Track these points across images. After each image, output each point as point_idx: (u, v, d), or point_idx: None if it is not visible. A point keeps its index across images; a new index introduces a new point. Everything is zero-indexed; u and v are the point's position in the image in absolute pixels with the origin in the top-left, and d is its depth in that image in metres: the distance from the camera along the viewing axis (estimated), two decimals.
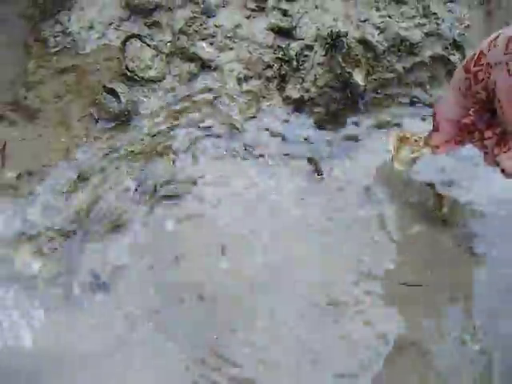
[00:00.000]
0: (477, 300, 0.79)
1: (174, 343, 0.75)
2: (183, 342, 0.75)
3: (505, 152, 0.64)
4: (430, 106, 0.95)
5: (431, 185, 0.87)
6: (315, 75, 0.92)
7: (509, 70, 0.57)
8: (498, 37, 0.59)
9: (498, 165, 0.64)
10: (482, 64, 0.61)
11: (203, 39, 0.92)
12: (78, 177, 0.85)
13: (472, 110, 0.70)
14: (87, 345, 0.75)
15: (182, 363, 0.74)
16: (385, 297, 0.79)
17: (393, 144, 0.85)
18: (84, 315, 0.77)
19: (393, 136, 0.86)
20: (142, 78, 0.90)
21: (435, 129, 0.75)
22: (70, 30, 0.92)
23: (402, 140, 0.85)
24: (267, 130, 0.91)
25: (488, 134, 0.68)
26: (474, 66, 0.63)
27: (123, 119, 0.88)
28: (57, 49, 0.92)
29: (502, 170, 0.64)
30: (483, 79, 0.62)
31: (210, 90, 0.92)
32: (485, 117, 0.69)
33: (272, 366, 0.74)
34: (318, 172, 0.87)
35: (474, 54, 0.62)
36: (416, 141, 0.84)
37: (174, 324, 0.77)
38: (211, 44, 0.92)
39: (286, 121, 0.92)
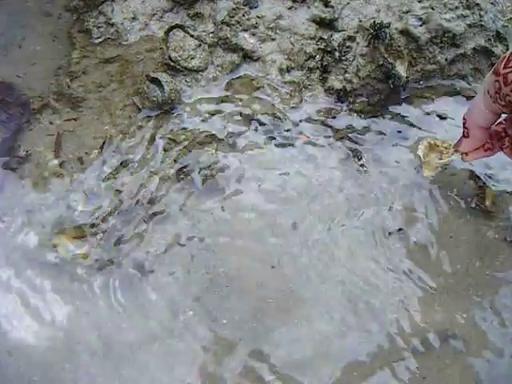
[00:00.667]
0: None
1: (216, 331, 0.74)
2: (225, 330, 0.74)
3: None
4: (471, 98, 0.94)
5: (474, 177, 0.86)
6: (357, 66, 0.91)
7: None
8: None
9: None
10: None
11: (245, 30, 0.92)
12: (121, 164, 0.85)
13: (503, 116, 0.69)
14: (129, 333, 0.75)
15: (225, 351, 0.73)
16: (427, 288, 0.78)
17: (422, 151, 0.86)
18: (126, 303, 0.77)
19: (422, 143, 0.87)
20: (185, 67, 0.90)
21: (465, 135, 0.73)
22: (113, 20, 0.93)
23: (432, 147, 0.86)
24: (309, 120, 0.90)
25: None
26: (504, 68, 0.61)
27: (166, 108, 0.89)
28: (100, 39, 0.93)
29: None
30: None
31: (252, 80, 0.92)
32: None
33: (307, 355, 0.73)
34: (361, 164, 0.87)
35: (504, 57, 0.61)
36: (446, 148, 0.85)
37: (216, 312, 0.76)
38: (253, 35, 0.92)
39: (328, 111, 0.91)
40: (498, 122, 0.71)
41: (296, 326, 0.75)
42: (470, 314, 0.76)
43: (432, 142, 0.87)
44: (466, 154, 0.76)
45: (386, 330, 0.75)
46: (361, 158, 0.87)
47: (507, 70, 0.61)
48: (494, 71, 0.64)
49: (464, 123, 0.73)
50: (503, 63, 0.62)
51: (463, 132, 0.74)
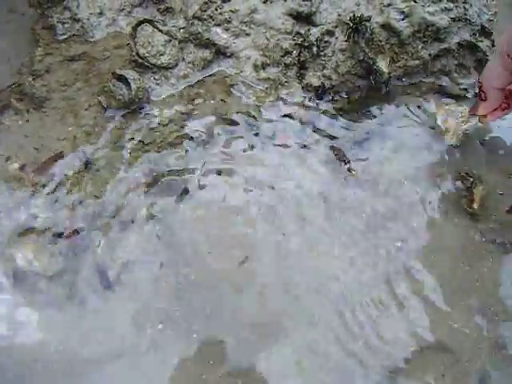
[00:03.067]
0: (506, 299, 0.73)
1: (185, 346, 0.69)
2: (195, 344, 0.69)
3: None
4: (457, 96, 0.90)
5: (462, 178, 0.82)
6: (336, 62, 0.87)
7: None
8: None
9: None
10: None
11: (218, 25, 0.88)
12: (86, 168, 0.80)
13: None
14: (91, 347, 0.69)
15: (195, 367, 0.68)
16: (413, 294, 0.74)
17: (440, 117, 0.84)
18: (89, 315, 0.71)
19: (439, 111, 0.85)
20: (154, 64, 0.86)
21: (483, 98, 0.76)
22: (78, 16, 0.88)
23: (448, 113, 0.85)
24: (286, 118, 0.86)
25: None
26: None
27: (134, 107, 0.84)
28: (65, 36, 0.88)
29: None
30: None
31: (225, 77, 0.87)
32: None
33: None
34: (344, 161, 0.82)
35: None
36: (461, 112, 0.84)
37: (185, 325, 0.71)
38: (226, 30, 0.88)
39: (306, 109, 0.87)
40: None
41: (274, 337, 0.70)
42: (458, 320, 0.72)
43: (447, 107, 0.85)
44: (485, 116, 0.78)
45: (369, 340, 0.70)
46: (343, 157, 0.82)
47: None
48: None
49: (480, 86, 0.74)
50: None
51: (480, 95, 0.76)
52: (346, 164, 0.82)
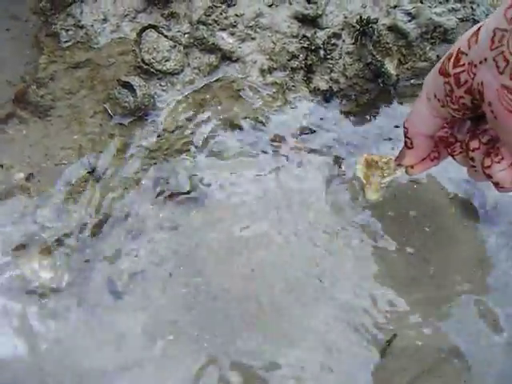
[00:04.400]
0: None
1: (196, 356, 0.68)
2: (207, 355, 0.68)
3: (497, 162, 0.52)
4: None
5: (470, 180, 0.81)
6: (344, 65, 0.86)
7: (498, 67, 0.46)
8: (477, 31, 0.48)
9: (490, 178, 0.54)
10: (463, 64, 0.50)
11: (223, 29, 0.87)
12: (92, 176, 0.79)
13: (448, 120, 0.58)
14: (101, 359, 0.68)
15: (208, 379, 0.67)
16: (425, 299, 0.73)
17: (360, 170, 0.78)
18: (98, 326, 0.70)
19: (359, 162, 0.79)
20: (159, 70, 0.85)
21: (409, 146, 0.63)
22: (82, 23, 0.87)
23: (371, 165, 0.79)
24: (294, 123, 0.85)
25: (474, 144, 0.56)
26: (454, 68, 0.51)
27: (139, 114, 0.83)
28: (69, 43, 0.87)
29: (496, 184, 0.53)
30: (466, 81, 0.51)
31: (231, 82, 0.86)
32: (466, 125, 0.59)
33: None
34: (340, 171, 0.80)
35: (451, 55, 0.52)
36: (386, 163, 0.78)
37: (196, 336, 0.70)
38: (232, 34, 0.87)
39: (314, 114, 0.86)
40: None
41: (289, 347, 0.69)
42: (472, 327, 0.71)
43: (369, 159, 0.79)
44: (412, 166, 0.66)
45: (382, 345, 0.69)
46: (340, 166, 0.81)
47: (459, 70, 0.51)
48: (441, 71, 0.54)
49: (406, 133, 0.62)
50: (452, 62, 0.52)
51: (405, 142, 0.63)
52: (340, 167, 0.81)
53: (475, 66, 0.48)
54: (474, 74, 0.49)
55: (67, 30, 0.87)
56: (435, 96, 0.55)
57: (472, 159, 0.56)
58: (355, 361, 0.69)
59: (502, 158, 0.52)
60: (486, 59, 0.47)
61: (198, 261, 0.75)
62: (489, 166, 0.53)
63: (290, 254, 0.75)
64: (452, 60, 0.51)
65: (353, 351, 0.69)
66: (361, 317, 0.71)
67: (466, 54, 0.49)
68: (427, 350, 0.70)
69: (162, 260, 0.75)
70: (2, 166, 0.80)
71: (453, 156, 0.62)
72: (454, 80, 0.51)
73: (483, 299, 0.73)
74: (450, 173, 0.82)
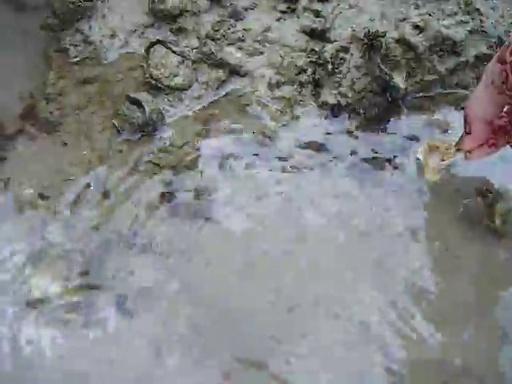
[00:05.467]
0: None
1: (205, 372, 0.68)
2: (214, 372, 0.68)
3: None
4: None
5: (482, 194, 0.80)
6: (352, 79, 0.86)
7: None
8: None
9: None
10: None
11: (231, 44, 0.87)
12: (101, 192, 0.80)
13: (506, 108, 0.65)
14: (108, 375, 0.68)
15: None
16: (435, 317, 0.71)
17: (422, 154, 0.81)
18: (105, 343, 0.70)
19: (422, 146, 0.82)
20: (168, 86, 0.85)
21: (468, 131, 0.69)
22: (91, 38, 0.88)
23: (432, 149, 0.81)
24: (303, 138, 0.84)
25: None
26: (510, 56, 0.57)
27: (148, 130, 0.83)
28: (78, 59, 0.88)
29: None
30: None
31: (239, 96, 0.86)
32: None
33: None
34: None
35: (509, 44, 0.57)
36: (447, 149, 0.80)
37: (203, 353, 0.69)
38: (240, 49, 0.87)
39: (323, 128, 0.85)
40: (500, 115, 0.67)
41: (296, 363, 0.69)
42: (481, 345, 0.69)
43: (432, 144, 0.81)
44: (470, 152, 0.71)
45: (386, 364, 0.68)
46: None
47: None
48: (499, 59, 0.59)
49: (465, 118, 0.68)
50: (509, 50, 0.57)
51: (465, 128, 0.69)
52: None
53: None
54: None
55: (76, 46, 0.88)
56: (493, 83, 0.60)
57: None
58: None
59: None
60: None
61: (207, 277, 0.74)
62: None
63: (310, 273, 0.75)
64: (510, 49, 0.56)
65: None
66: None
67: None
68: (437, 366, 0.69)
69: (170, 276, 0.75)
70: (11, 182, 0.81)
71: (509, 143, 0.67)
72: (511, 68, 0.57)
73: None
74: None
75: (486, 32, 0.89)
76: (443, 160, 0.80)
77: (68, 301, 0.73)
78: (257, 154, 0.83)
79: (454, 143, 0.76)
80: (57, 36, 0.89)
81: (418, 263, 0.76)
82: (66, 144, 0.84)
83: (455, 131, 0.84)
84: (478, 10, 0.89)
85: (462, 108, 0.86)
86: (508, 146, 0.69)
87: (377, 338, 0.70)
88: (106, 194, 0.80)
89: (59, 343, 0.70)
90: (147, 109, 0.81)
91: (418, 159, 0.82)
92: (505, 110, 0.66)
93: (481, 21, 0.89)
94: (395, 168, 0.82)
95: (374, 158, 0.84)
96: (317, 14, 0.88)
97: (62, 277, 0.74)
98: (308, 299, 0.73)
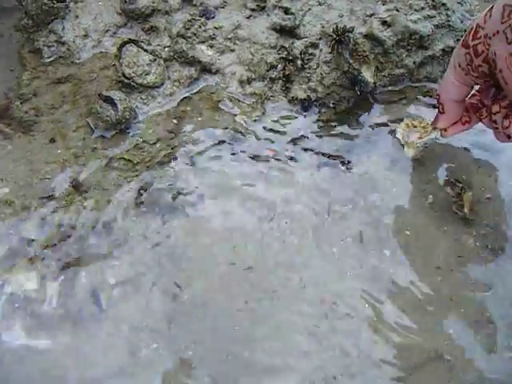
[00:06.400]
0: (503, 306, 0.73)
1: (182, 365, 0.69)
2: (193, 364, 0.69)
3: None
4: None
5: (451, 184, 0.82)
6: (321, 74, 0.87)
7: (507, 38, 0.55)
8: (491, 8, 0.58)
9: (509, 138, 0.63)
10: (480, 37, 0.60)
11: (202, 42, 0.88)
12: (76, 189, 0.81)
13: (477, 87, 0.70)
14: (87, 369, 0.69)
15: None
16: (404, 303, 0.73)
17: (401, 131, 0.84)
18: (83, 337, 0.71)
19: (400, 125, 0.85)
20: (140, 84, 0.86)
21: (441, 111, 0.73)
22: (64, 39, 0.89)
23: (410, 128, 0.84)
24: (273, 132, 0.86)
25: (495, 108, 0.66)
26: (473, 40, 0.61)
27: (121, 128, 0.84)
28: (51, 59, 0.89)
29: None
30: (483, 51, 0.61)
31: (211, 93, 0.88)
32: (491, 92, 0.68)
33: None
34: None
35: (472, 29, 0.61)
36: (424, 127, 0.83)
37: (180, 344, 0.71)
38: (211, 46, 0.88)
39: (293, 123, 0.87)
40: (471, 94, 0.71)
41: (270, 355, 0.70)
42: (453, 330, 0.71)
43: (410, 122, 0.85)
44: (445, 130, 0.76)
45: (364, 352, 0.70)
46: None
47: (476, 42, 0.61)
48: (463, 44, 0.63)
49: (438, 99, 0.72)
50: (471, 35, 0.61)
51: (438, 108, 0.73)
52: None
53: (490, 38, 0.58)
54: (489, 45, 0.59)
55: (49, 46, 0.89)
56: (459, 65, 0.65)
57: (494, 122, 0.66)
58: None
59: None
60: (498, 32, 0.56)
61: (181, 270, 0.76)
62: (508, 127, 0.63)
63: (274, 260, 0.76)
64: (471, 33, 0.61)
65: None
66: None
67: (483, 28, 0.59)
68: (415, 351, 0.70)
69: (145, 270, 0.76)
70: None
71: (481, 120, 0.72)
72: (473, 51, 0.62)
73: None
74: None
75: (452, 26, 0.91)
76: (421, 138, 0.83)
77: (45, 296, 0.73)
78: (230, 150, 0.84)
79: (430, 122, 0.80)
80: (30, 37, 0.90)
81: (387, 251, 0.77)
82: (41, 143, 0.85)
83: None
84: (444, 4, 0.90)
85: (426, 98, 0.89)
86: (485, 126, 0.73)
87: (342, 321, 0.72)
88: (81, 192, 0.81)
89: (37, 338, 0.71)
90: (120, 107, 0.82)
91: (395, 137, 0.85)
92: (476, 88, 0.71)
93: (447, 15, 0.91)
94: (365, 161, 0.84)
95: (345, 150, 0.85)
96: (286, 11, 0.90)
97: (38, 272, 0.75)
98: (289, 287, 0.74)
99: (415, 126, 0.84)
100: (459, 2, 0.94)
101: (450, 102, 0.71)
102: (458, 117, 0.73)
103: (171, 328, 0.71)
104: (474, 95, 0.72)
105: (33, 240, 0.77)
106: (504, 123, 0.64)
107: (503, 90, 0.62)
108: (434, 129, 0.78)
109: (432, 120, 0.78)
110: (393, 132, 0.86)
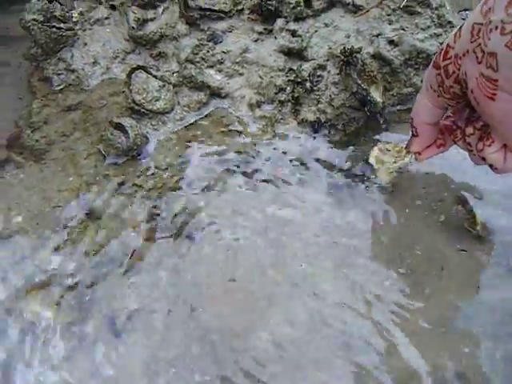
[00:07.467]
0: None
1: None
2: None
3: (489, 146, 0.59)
4: None
5: (462, 202, 0.82)
6: (330, 95, 0.88)
7: (477, 58, 0.53)
8: (461, 28, 0.56)
9: (485, 160, 0.60)
10: (451, 57, 0.58)
11: (211, 66, 0.89)
12: (89, 217, 0.81)
13: (451, 109, 0.67)
14: None
15: None
16: (423, 324, 0.72)
17: (373, 157, 0.84)
18: (100, 365, 0.71)
19: (373, 150, 0.85)
20: (150, 110, 0.87)
21: (414, 134, 0.70)
22: (73, 66, 0.89)
23: (384, 151, 0.84)
24: (285, 155, 0.86)
25: (469, 130, 0.63)
26: (444, 60, 0.59)
27: (133, 154, 0.84)
28: (61, 87, 0.89)
29: (490, 166, 0.60)
30: (454, 72, 0.58)
31: (221, 117, 0.88)
32: (465, 113, 0.65)
33: None
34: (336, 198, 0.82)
35: (442, 50, 0.59)
36: (398, 151, 0.83)
37: (197, 369, 0.70)
38: (220, 71, 0.89)
39: (304, 145, 0.87)
40: (446, 115, 0.69)
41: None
42: (470, 349, 0.71)
43: (383, 147, 0.84)
44: (419, 153, 0.73)
45: (374, 371, 0.69)
46: None
47: (447, 62, 0.58)
48: (434, 64, 0.61)
49: (411, 122, 0.69)
50: (441, 55, 0.59)
51: (412, 131, 0.70)
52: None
53: (460, 58, 0.56)
54: (460, 65, 0.56)
55: (59, 74, 0.90)
56: (431, 87, 0.62)
57: (469, 144, 0.63)
58: None
59: (493, 141, 0.58)
60: (467, 51, 0.54)
61: (196, 297, 0.76)
62: (482, 149, 0.60)
63: (288, 291, 0.76)
64: (442, 54, 0.59)
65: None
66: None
67: (453, 48, 0.57)
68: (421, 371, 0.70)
69: (160, 297, 0.76)
70: (1, 209, 0.82)
71: (455, 142, 0.69)
72: (444, 72, 0.59)
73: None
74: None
75: None
76: (395, 162, 0.83)
77: (61, 324, 0.74)
78: (240, 173, 0.85)
79: (404, 146, 0.78)
80: (40, 65, 0.90)
81: (402, 270, 0.77)
82: (53, 171, 0.85)
83: None
84: (450, 22, 0.91)
85: None
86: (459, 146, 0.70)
87: (351, 338, 0.71)
88: (94, 219, 0.81)
89: (54, 365, 0.71)
90: (131, 133, 0.83)
91: (368, 163, 0.84)
92: (450, 110, 0.68)
93: None
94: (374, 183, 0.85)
95: (354, 173, 0.86)
96: (293, 33, 0.90)
97: (54, 301, 0.75)
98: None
99: (389, 150, 0.84)
100: (464, 18, 0.94)
101: (423, 125, 0.68)
102: (432, 140, 0.71)
103: (188, 353, 0.71)
104: (448, 117, 0.70)
105: (47, 269, 0.78)
106: (478, 146, 0.61)
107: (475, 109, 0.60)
108: (408, 153, 0.76)
109: (406, 144, 0.75)
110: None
